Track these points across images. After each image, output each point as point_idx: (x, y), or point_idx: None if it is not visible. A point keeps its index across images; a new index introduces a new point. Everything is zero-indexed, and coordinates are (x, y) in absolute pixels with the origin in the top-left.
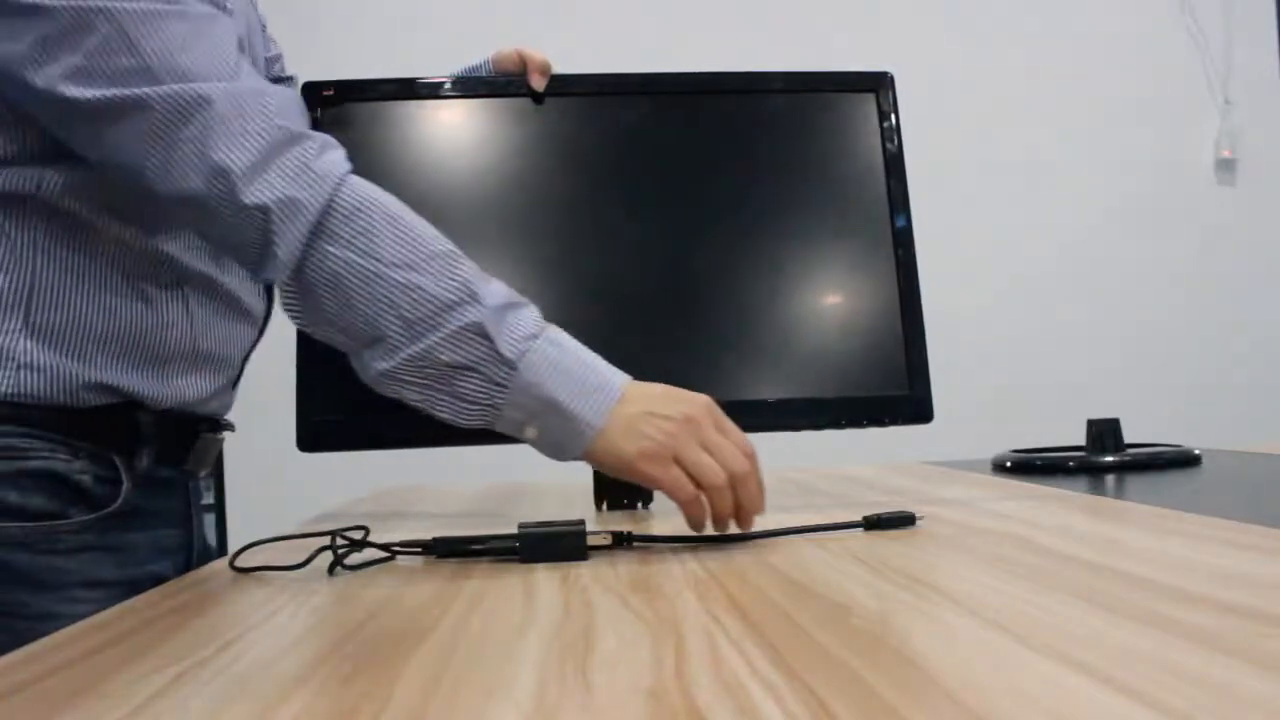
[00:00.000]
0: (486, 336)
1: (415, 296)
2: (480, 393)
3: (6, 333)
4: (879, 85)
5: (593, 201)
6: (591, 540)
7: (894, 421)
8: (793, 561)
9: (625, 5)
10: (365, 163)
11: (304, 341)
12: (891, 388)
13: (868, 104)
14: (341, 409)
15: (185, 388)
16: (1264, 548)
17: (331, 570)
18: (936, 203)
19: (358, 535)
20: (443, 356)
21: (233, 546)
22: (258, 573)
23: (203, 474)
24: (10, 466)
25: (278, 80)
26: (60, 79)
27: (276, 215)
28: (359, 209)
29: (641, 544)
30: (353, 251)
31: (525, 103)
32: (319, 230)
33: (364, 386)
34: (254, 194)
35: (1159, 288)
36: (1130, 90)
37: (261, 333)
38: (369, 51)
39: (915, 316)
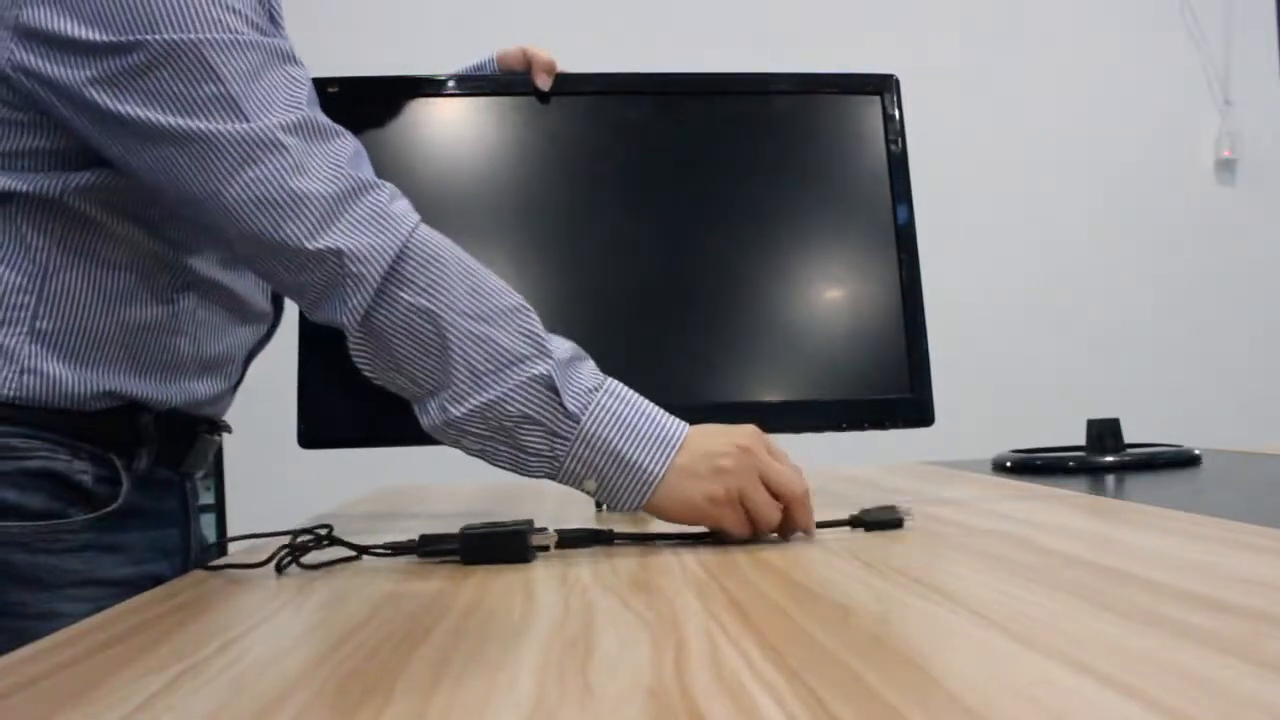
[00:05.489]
0: (554, 389)
1: (488, 349)
2: (541, 444)
3: (12, 336)
4: (884, 87)
5: (596, 201)
6: (537, 540)
7: (895, 424)
8: (793, 561)
9: (631, 5)
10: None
11: (306, 338)
12: (893, 390)
13: (873, 106)
14: (343, 405)
15: (189, 391)
16: (1264, 548)
17: (280, 568)
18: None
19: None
20: (510, 408)
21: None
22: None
23: (199, 474)
24: (10, 466)
25: None
26: (140, 106)
27: (350, 259)
28: (433, 258)
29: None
30: (426, 300)
31: (530, 101)
32: (392, 275)
33: (366, 382)
34: (326, 239)
35: (1159, 288)
36: (1130, 90)
37: (269, 335)
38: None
39: (917, 320)
